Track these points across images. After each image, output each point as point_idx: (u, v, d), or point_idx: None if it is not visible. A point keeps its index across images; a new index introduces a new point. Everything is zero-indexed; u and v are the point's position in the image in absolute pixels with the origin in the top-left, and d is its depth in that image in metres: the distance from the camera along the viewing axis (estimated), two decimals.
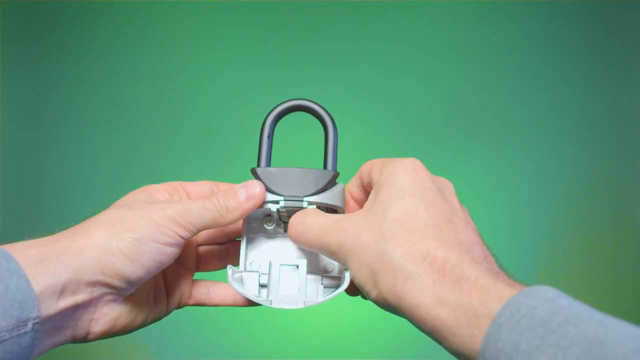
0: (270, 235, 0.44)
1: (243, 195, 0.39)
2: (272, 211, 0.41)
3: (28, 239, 0.34)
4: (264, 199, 0.40)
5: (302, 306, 0.39)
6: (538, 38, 1.27)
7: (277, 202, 0.41)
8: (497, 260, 0.33)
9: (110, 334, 0.38)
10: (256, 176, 0.41)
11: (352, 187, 0.42)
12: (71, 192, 1.18)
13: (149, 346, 1.12)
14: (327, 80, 1.22)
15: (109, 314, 0.37)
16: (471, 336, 0.26)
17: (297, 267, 0.42)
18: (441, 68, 1.25)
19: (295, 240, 0.38)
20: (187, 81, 1.25)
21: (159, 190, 0.41)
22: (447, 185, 0.36)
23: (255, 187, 0.39)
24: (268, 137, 0.43)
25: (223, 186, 0.43)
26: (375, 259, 0.31)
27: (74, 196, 1.18)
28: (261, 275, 0.42)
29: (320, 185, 0.41)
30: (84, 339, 0.37)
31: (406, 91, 1.24)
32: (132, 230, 0.35)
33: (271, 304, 0.40)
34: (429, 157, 1.25)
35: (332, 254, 0.35)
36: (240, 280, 0.42)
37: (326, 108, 0.44)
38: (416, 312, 0.29)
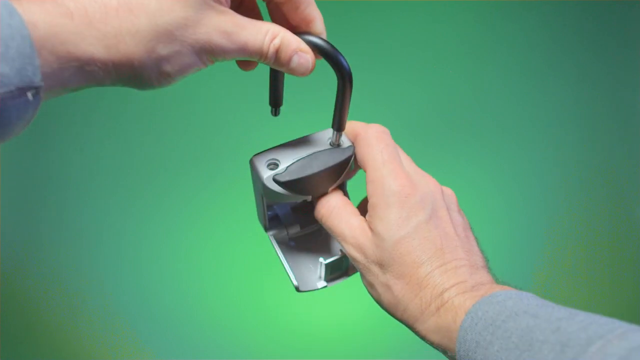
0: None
1: (294, 64, 0.37)
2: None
3: None
4: (291, 197, 0.40)
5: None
6: (538, 38, 1.27)
7: (305, 200, 0.41)
8: (486, 262, 0.39)
9: None
10: (279, 183, 0.39)
11: None
12: (71, 192, 1.18)
13: (149, 346, 1.11)
14: (327, 79, 1.21)
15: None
16: (451, 344, 0.35)
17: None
18: (441, 68, 1.25)
19: (320, 222, 0.42)
20: (187, 80, 1.24)
21: None
22: (436, 200, 0.39)
23: (305, 72, 0.38)
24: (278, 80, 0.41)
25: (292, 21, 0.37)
26: (382, 287, 0.39)
27: (74, 196, 1.18)
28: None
29: (342, 172, 0.41)
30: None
31: (406, 91, 1.24)
32: (179, 67, 0.32)
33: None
34: (429, 157, 1.26)
35: (350, 257, 0.40)
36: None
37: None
38: (417, 334, 0.38)
